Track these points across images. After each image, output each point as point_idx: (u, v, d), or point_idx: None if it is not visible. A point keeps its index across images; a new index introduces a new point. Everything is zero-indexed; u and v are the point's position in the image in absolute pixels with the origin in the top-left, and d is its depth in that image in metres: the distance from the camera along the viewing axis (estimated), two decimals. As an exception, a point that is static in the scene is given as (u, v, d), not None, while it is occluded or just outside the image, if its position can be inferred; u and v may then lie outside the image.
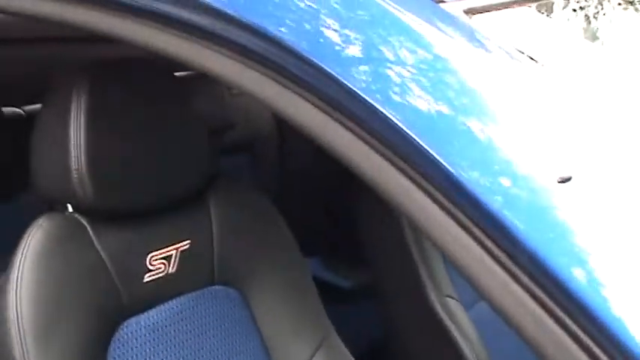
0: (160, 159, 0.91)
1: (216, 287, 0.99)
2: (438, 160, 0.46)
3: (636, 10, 1.08)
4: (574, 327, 0.42)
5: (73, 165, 0.83)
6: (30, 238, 0.82)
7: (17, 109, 1.53)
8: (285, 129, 1.93)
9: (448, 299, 1.17)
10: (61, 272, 0.82)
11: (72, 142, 0.83)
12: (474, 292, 1.22)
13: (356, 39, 0.51)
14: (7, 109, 1.49)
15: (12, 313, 0.78)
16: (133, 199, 0.90)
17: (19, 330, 0.78)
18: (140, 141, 0.89)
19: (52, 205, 0.90)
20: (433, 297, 1.15)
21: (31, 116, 1.36)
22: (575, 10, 1.05)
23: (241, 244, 1.01)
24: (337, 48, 0.50)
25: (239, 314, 1.00)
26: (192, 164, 0.95)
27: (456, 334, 1.14)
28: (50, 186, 0.87)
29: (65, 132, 0.83)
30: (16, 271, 0.80)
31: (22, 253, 0.81)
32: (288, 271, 1.04)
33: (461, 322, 1.16)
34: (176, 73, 1.00)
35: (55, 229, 0.84)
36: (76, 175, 0.83)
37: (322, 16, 0.52)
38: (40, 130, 0.88)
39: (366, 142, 0.48)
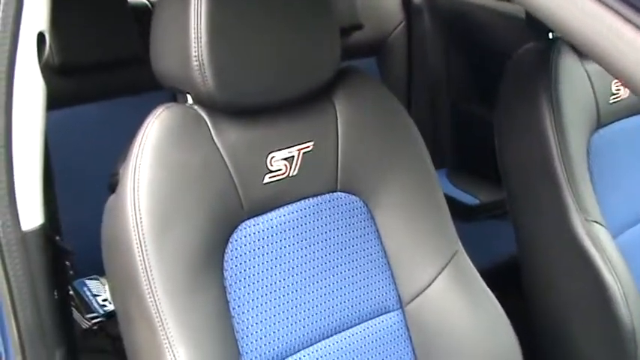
0: (286, 50, 0.84)
1: (340, 194, 0.92)
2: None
3: None
4: None
5: (193, 51, 0.77)
6: (148, 127, 0.78)
7: (143, 0, 1.51)
8: (415, 33, 1.82)
9: (594, 224, 1.06)
10: (179, 164, 0.79)
11: (192, 27, 0.77)
12: (623, 219, 1.11)
13: None
14: (132, 1, 1.47)
15: (129, 206, 0.76)
16: (255, 92, 0.83)
17: (136, 223, 0.76)
18: (265, 30, 0.82)
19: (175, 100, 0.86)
20: (577, 221, 1.05)
21: (156, 8, 1.33)
22: None
23: (368, 149, 0.93)
24: None
25: (362, 224, 0.94)
26: (320, 58, 0.87)
27: (599, 261, 1.04)
28: (170, 73, 0.82)
29: (186, 15, 0.77)
30: (134, 161, 0.77)
31: (140, 143, 0.77)
32: (417, 182, 0.96)
33: (606, 249, 1.05)
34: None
35: (173, 120, 0.80)
36: (195, 62, 0.77)
37: None
38: (161, 14, 0.83)
39: None
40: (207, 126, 0.82)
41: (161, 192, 0.77)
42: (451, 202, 1.62)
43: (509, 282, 1.20)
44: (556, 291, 1.13)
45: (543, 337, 1.20)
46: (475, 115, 1.71)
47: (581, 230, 1.05)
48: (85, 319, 1.27)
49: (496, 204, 1.48)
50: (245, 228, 0.85)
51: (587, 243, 1.04)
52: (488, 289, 0.97)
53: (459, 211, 1.59)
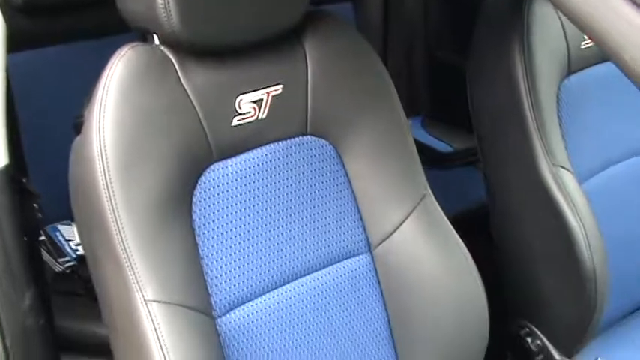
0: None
1: (309, 138, 0.92)
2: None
3: None
4: None
5: (157, -12, 0.75)
6: (113, 67, 0.77)
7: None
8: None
9: (561, 169, 1.07)
10: (145, 105, 0.78)
11: None
12: (591, 165, 1.12)
13: None
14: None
15: (95, 147, 0.76)
16: (221, 32, 0.82)
17: (102, 164, 0.75)
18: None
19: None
20: (545, 166, 1.06)
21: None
22: None
23: (338, 93, 0.93)
24: None
25: (331, 169, 0.94)
26: None
27: (563, 204, 1.06)
28: (135, 12, 0.80)
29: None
30: (99, 102, 0.76)
31: (105, 84, 0.76)
32: (387, 127, 0.96)
33: (571, 193, 1.07)
34: None
35: (139, 60, 0.79)
36: (160, 1, 0.76)
37: None
38: None
39: None
40: (174, 67, 0.81)
41: (127, 132, 0.77)
42: (425, 149, 1.65)
43: (479, 228, 1.22)
44: (522, 233, 1.15)
45: (508, 280, 1.23)
46: (451, 63, 1.70)
47: (548, 175, 1.06)
48: (58, 262, 1.27)
49: (469, 151, 1.49)
50: (214, 171, 0.85)
51: (553, 187, 1.06)
52: (455, 233, 0.99)
53: (433, 159, 1.61)
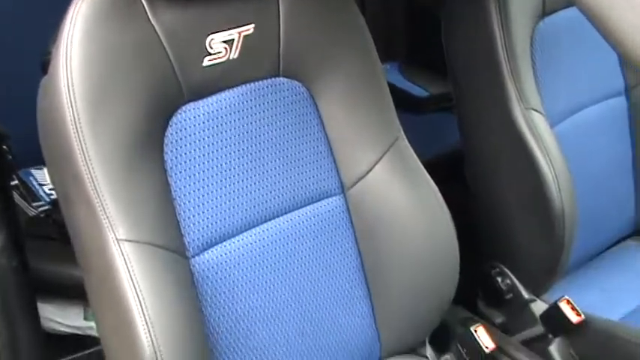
0: None
1: (282, 79, 0.92)
2: None
3: None
4: None
5: None
6: (79, 4, 0.75)
7: None
8: None
9: (533, 112, 1.08)
10: (113, 42, 0.76)
11: None
12: (563, 108, 1.14)
13: None
14: None
15: (62, 86, 0.74)
16: None
17: (70, 103, 0.74)
18: None
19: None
20: (517, 108, 1.07)
21: None
22: None
23: (312, 34, 0.92)
24: None
25: (304, 110, 0.94)
26: None
27: (535, 147, 1.07)
28: None
29: None
30: (65, 39, 0.74)
31: (71, 20, 0.75)
32: (360, 70, 0.96)
33: (543, 136, 1.08)
34: None
35: None
36: None
37: None
38: None
39: None
40: (143, 5, 0.80)
41: (95, 70, 0.75)
42: (401, 93, 1.65)
43: (454, 173, 1.23)
44: (494, 176, 1.17)
45: (481, 222, 1.25)
46: (429, 8, 1.69)
47: (520, 118, 1.07)
48: (32, 207, 1.27)
49: (445, 96, 1.49)
50: (185, 112, 0.84)
51: (525, 130, 1.07)
52: (427, 176, 1.00)
53: (409, 103, 1.61)
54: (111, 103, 0.76)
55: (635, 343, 1.04)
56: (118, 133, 0.76)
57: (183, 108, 0.84)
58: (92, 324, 1.22)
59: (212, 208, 0.86)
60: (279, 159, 0.92)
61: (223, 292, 0.87)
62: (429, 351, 1.09)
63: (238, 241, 0.89)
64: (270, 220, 0.92)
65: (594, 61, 1.21)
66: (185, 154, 0.84)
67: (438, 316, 1.03)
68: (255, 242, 0.90)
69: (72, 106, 0.74)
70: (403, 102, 1.47)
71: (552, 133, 1.10)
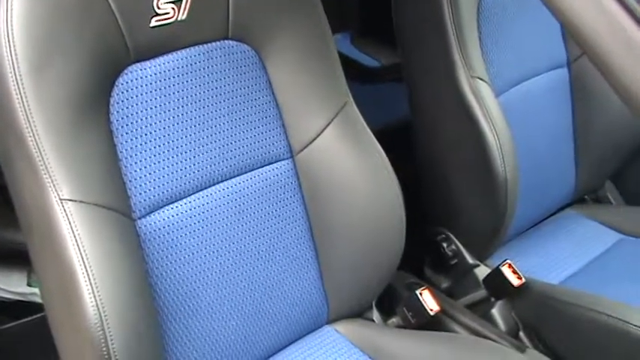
0: None
1: (231, 42, 0.91)
2: None
3: None
4: None
5: None
6: None
7: None
8: None
9: (478, 80, 1.10)
10: (56, 2, 0.75)
11: None
12: (508, 78, 1.15)
13: None
14: None
15: (3, 43, 0.72)
16: None
17: (12, 62, 0.72)
18: None
19: None
20: (462, 76, 1.09)
21: None
22: None
23: None
24: None
25: (253, 74, 0.94)
26: None
27: (479, 115, 1.09)
28: None
29: None
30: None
31: None
32: (310, 36, 0.96)
33: (487, 104, 1.10)
34: None
35: None
36: None
37: None
38: None
39: None
40: None
41: (37, 28, 0.73)
42: (353, 64, 1.65)
43: (404, 143, 1.25)
44: (440, 144, 1.19)
45: (427, 190, 1.27)
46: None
47: (466, 86, 1.09)
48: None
49: (396, 67, 1.50)
50: (132, 72, 0.83)
51: (471, 98, 1.09)
52: (376, 142, 1.01)
53: (360, 73, 1.62)
54: (53, 61, 0.75)
55: (572, 304, 1.09)
56: (61, 91, 0.75)
57: (130, 69, 0.83)
58: (36, 290, 1.20)
59: (159, 170, 0.86)
60: (228, 122, 0.92)
61: (171, 255, 0.87)
62: (375, 315, 1.11)
63: (186, 203, 0.89)
64: (218, 183, 0.92)
65: (538, 33, 1.24)
66: (131, 115, 0.83)
67: (385, 280, 1.06)
68: (203, 205, 0.90)
69: (13, 64, 0.72)
70: (354, 72, 1.48)
71: (497, 101, 1.13)
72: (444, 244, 1.25)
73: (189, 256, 0.89)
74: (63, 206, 0.74)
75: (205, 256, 0.90)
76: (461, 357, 0.95)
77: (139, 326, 0.77)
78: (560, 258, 1.27)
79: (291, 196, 0.98)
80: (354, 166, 0.98)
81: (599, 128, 1.33)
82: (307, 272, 1.01)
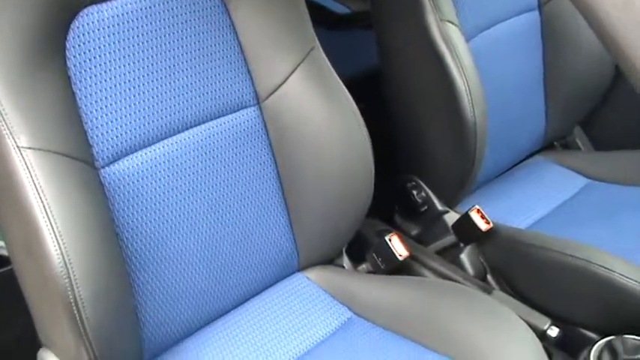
0: None
1: None
2: None
3: None
4: None
5: None
6: None
7: None
8: None
9: (448, 24, 1.09)
10: None
11: None
12: (477, 22, 1.14)
13: None
14: None
15: None
16: None
17: None
18: None
19: None
20: (431, 19, 1.07)
21: None
22: None
23: None
24: None
25: (217, 18, 0.92)
26: None
27: (449, 59, 1.08)
28: None
29: None
30: None
31: None
32: None
33: (457, 48, 1.09)
34: None
35: None
36: None
37: None
38: None
39: None
40: None
41: None
42: (323, 11, 1.62)
43: (373, 92, 1.24)
44: (410, 90, 1.18)
45: (397, 137, 1.27)
46: None
47: (435, 29, 1.08)
48: None
49: (367, 14, 1.48)
50: (88, 15, 0.80)
51: (440, 41, 1.08)
52: (344, 88, 1.00)
53: (330, 20, 1.59)
54: (6, 5, 0.72)
55: (538, 247, 1.10)
56: (13, 36, 0.72)
57: (85, 11, 0.80)
58: (2, 243, 1.18)
59: (121, 118, 0.84)
60: (191, 68, 0.90)
61: (137, 204, 0.86)
62: (346, 261, 1.12)
63: (151, 152, 0.87)
64: (183, 131, 0.90)
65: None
66: (89, 60, 0.81)
67: (354, 226, 1.06)
68: (169, 153, 0.89)
69: None
70: (324, 19, 1.45)
71: (467, 46, 1.11)
72: (414, 192, 1.25)
73: (155, 205, 0.88)
74: (22, 154, 0.72)
75: (173, 205, 0.89)
76: (429, 298, 0.96)
77: (105, 275, 0.77)
78: (528, 203, 1.28)
79: (258, 144, 0.97)
80: (321, 111, 0.97)
81: (569, 74, 1.33)
82: (276, 220, 1.00)
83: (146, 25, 0.85)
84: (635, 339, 0.91)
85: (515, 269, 1.14)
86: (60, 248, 0.72)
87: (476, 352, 0.86)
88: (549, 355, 0.91)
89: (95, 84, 0.81)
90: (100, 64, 0.82)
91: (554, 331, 1.02)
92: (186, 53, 0.89)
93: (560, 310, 1.07)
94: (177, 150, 0.89)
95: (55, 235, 0.72)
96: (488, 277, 1.18)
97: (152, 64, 0.86)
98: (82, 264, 0.73)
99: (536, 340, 0.88)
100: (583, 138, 1.52)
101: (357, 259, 1.13)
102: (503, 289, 1.15)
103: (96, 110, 0.82)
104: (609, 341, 0.92)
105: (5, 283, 1.10)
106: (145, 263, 0.87)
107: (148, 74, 0.86)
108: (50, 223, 0.72)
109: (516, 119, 1.30)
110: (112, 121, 0.83)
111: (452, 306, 0.94)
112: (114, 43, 0.83)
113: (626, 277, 0.99)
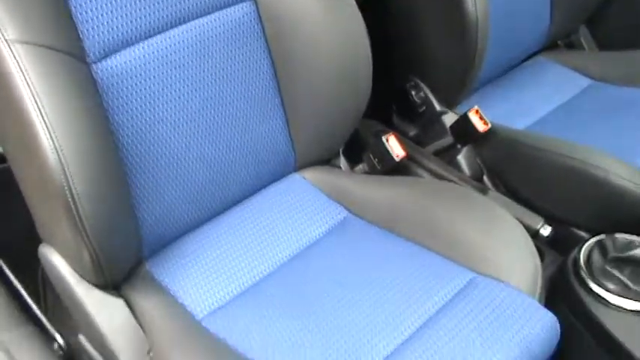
0: None
1: None
2: None
3: None
4: None
5: None
6: None
7: None
8: None
9: None
10: None
11: None
12: None
13: None
14: None
15: None
16: None
17: None
18: None
19: None
20: None
21: None
22: None
23: None
24: None
25: None
26: None
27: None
28: None
29: None
30: None
31: None
32: None
33: None
34: None
35: None
36: None
37: None
38: None
39: None
40: None
41: None
42: None
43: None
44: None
45: (397, 38, 1.24)
46: None
47: None
48: None
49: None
50: None
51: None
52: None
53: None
54: None
55: (534, 147, 1.10)
56: None
57: None
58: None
59: (111, 12, 0.81)
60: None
61: (131, 102, 0.85)
62: (342, 162, 1.12)
63: (144, 48, 0.85)
64: (177, 25, 0.87)
65: None
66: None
67: (352, 126, 1.05)
68: (164, 49, 0.86)
69: None
70: None
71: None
72: (413, 92, 1.24)
73: (150, 102, 0.86)
74: (10, 47, 0.70)
75: (168, 102, 0.88)
76: (424, 198, 0.97)
77: (101, 171, 0.77)
78: (528, 104, 1.27)
79: (254, 40, 0.95)
80: (318, 5, 0.94)
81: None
82: (273, 119, 0.99)
83: None
84: (625, 237, 0.92)
85: (511, 170, 1.14)
86: (53, 142, 0.71)
87: (470, 251, 0.88)
88: (541, 253, 0.92)
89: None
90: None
91: (546, 230, 1.04)
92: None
93: (554, 209, 1.08)
94: (171, 46, 0.87)
95: (48, 130, 0.71)
96: (485, 178, 1.18)
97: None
98: (76, 159, 0.73)
99: (529, 240, 0.89)
100: (588, 37, 1.48)
101: (354, 160, 1.13)
102: (498, 190, 1.16)
103: (85, 3, 0.79)
104: (600, 240, 0.93)
105: (3, 179, 1.10)
106: (142, 161, 0.87)
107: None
108: (41, 115, 0.71)
109: (520, 14, 1.26)
110: (102, 15, 0.81)
111: (447, 206, 0.95)
112: None
113: (621, 177, 1.00)
